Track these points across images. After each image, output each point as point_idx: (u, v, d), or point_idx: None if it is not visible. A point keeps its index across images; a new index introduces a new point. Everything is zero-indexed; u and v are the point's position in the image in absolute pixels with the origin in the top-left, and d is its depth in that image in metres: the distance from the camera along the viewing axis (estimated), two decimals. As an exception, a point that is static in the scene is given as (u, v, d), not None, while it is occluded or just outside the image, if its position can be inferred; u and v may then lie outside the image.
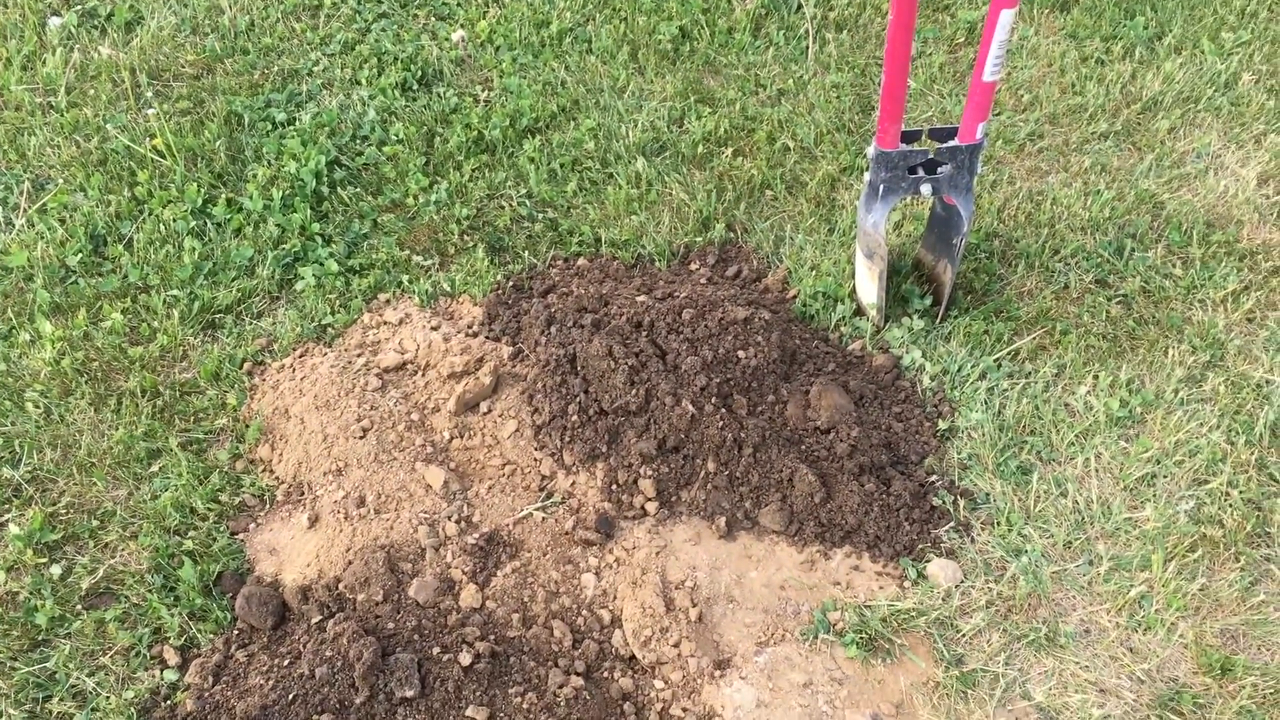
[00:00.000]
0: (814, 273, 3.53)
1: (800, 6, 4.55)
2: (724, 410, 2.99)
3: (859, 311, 3.45)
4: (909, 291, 3.43)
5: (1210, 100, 4.08)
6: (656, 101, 4.16)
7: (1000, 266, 3.56)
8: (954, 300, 3.43)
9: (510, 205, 3.77)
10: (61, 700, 2.56)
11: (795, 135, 4.01)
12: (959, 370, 3.27)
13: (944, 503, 2.97)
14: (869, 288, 3.34)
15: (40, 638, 2.67)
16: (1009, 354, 3.31)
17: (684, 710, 2.58)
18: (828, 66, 4.32)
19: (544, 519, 2.90)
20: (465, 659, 2.56)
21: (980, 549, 2.88)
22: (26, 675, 2.58)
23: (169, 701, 2.58)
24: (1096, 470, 3.04)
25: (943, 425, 3.15)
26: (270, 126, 4.05)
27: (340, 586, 2.74)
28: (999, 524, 2.93)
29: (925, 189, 3.09)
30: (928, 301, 3.41)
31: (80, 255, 3.53)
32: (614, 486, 2.94)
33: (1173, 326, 3.36)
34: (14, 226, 3.65)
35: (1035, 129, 4.03)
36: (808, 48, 4.40)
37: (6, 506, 2.92)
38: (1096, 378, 3.23)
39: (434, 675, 2.54)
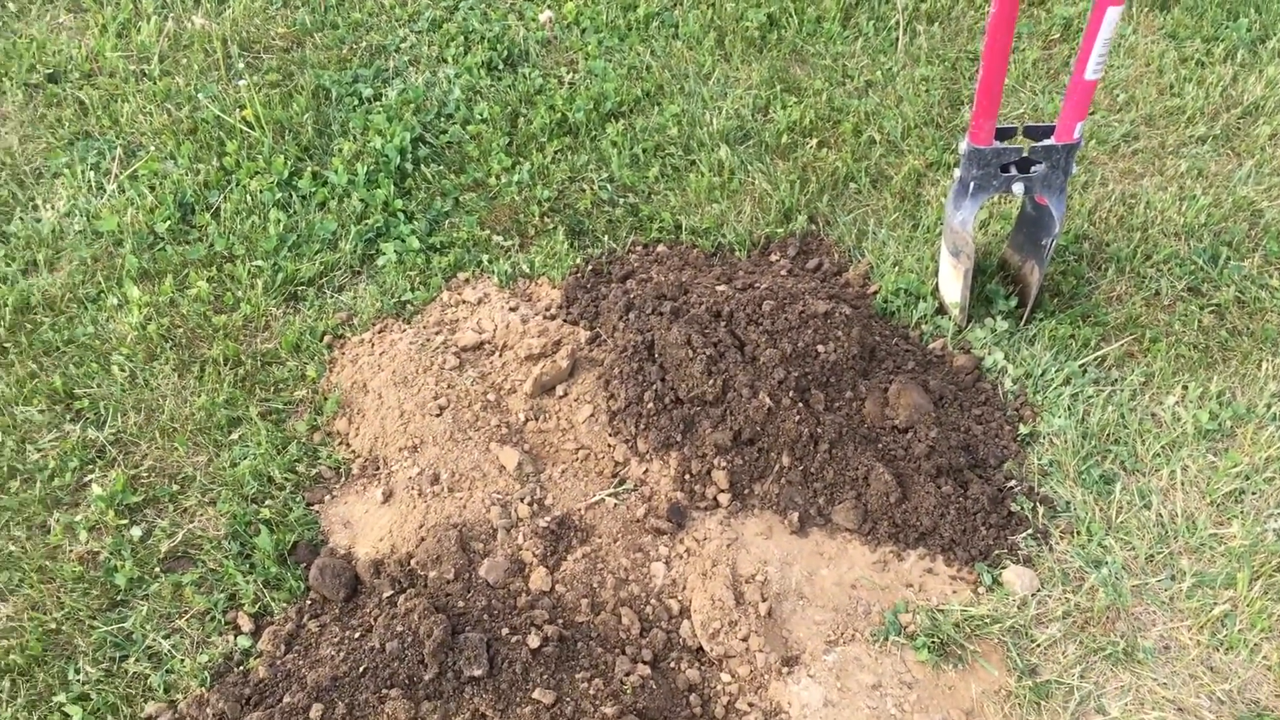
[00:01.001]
0: (896, 269, 3.48)
1: (891, -3, 4.48)
2: (801, 404, 2.96)
3: (941, 310, 3.40)
4: (994, 292, 3.37)
5: (1316, 106, 3.95)
6: (742, 89, 4.12)
7: (1089, 270, 3.47)
8: (1040, 302, 3.36)
9: (591, 189, 3.76)
10: (138, 660, 2.61)
11: (882, 128, 3.95)
12: (1042, 374, 3.20)
13: (1022, 509, 2.92)
14: (953, 286, 3.28)
15: (119, 598, 2.72)
16: (1095, 360, 3.23)
17: (750, 705, 2.56)
18: (917, 59, 4.25)
19: (616, 505, 2.89)
20: (533, 641, 2.56)
21: (1058, 558, 2.82)
22: (105, 634, 2.64)
23: (242, 667, 2.61)
24: (1182, 483, 2.96)
25: (1024, 430, 3.08)
26: (357, 101, 4.08)
27: (412, 562, 2.76)
28: (1079, 533, 2.87)
29: (1017, 188, 3.02)
30: (1013, 303, 3.34)
31: (169, 222, 3.59)
32: (687, 476, 2.93)
33: (1267, 339, 3.26)
34: (105, 191, 3.71)
35: (1130, 130, 3.93)
36: (897, 39, 4.33)
37: (91, 467, 2.98)
38: (1186, 388, 3.15)
39: (502, 656, 2.54)
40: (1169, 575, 2.79)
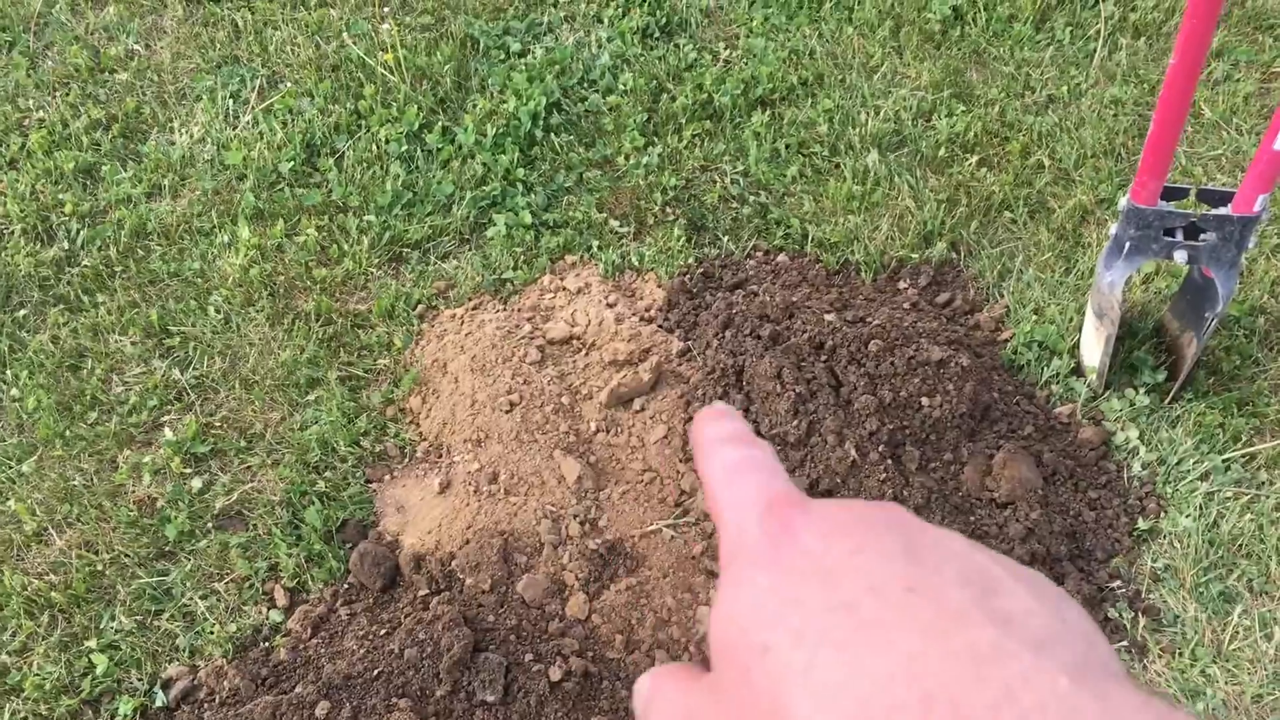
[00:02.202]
0: (1036, 317, 3.15)
1: (1098, 1, 4.04)
2: (890, 461, 2.71)
3: (1078, 371, 3.06)
4: (1141, 360, 3.01)
5: None
6: (907, 89, 3.80)
7: (1259, 350, 3.07)
8: (1192, 380, 2.99)
9: (722, 181, 3.54)
10: (171, 618, 2.61)
11: (1054, 153, 3.57)
12: (1178, 463, 2.85)
13: (1121, 616, 2.61)
14: (1094, 349, 2.95)
15: (167, 549, 2.73)
16: (1243, 456, 2.86)
17: (770, 784, 2.38)
18: (1112, 77, 3.82)
19: (672, 538, 2.72)
20: (555, 674, 2.44)
21: (1151, 679, 2.51)
22: (145, 585, 2.65)
23: (267, 644, 2.58)
24: (1316, 618, 2.60)
25: (1143, 524, 2.76)
26: (503, 56, 3.94)
27: (453, 564, 2.67)
28: (1181, 654, 2.55)
29: (1180, 256, 2.66)
30: (1161, 375, 2.98)
31: (293, 163, 3.55)
32: (754, 519, 2.73)
33: None
34: (240, 122, 3.70)
35: (1344, 190, 3.44)
36: (1095, 50, 3.91)
37: (168, 408, 2.99)
38: (1344, 507, 2.76)
39: (519, 685, 2.43)
40: (1277, 723, 2.45)
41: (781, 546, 0.49)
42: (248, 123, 3.69)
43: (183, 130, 3.68)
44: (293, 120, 3.68)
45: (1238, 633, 2.58)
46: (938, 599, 0.44)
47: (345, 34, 3.93)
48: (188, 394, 3.01)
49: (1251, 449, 2.87)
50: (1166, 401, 2.96)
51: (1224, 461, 2.84)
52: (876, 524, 0.48)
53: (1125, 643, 2.56)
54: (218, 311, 3.18)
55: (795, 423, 2.72)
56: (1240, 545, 2.72)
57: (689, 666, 0.54)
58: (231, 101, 3.75)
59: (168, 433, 2.90)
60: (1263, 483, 2.82)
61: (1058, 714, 0.39)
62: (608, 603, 2.61)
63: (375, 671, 2.45)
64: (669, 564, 2.68)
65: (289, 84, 3.81)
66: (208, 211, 3.43)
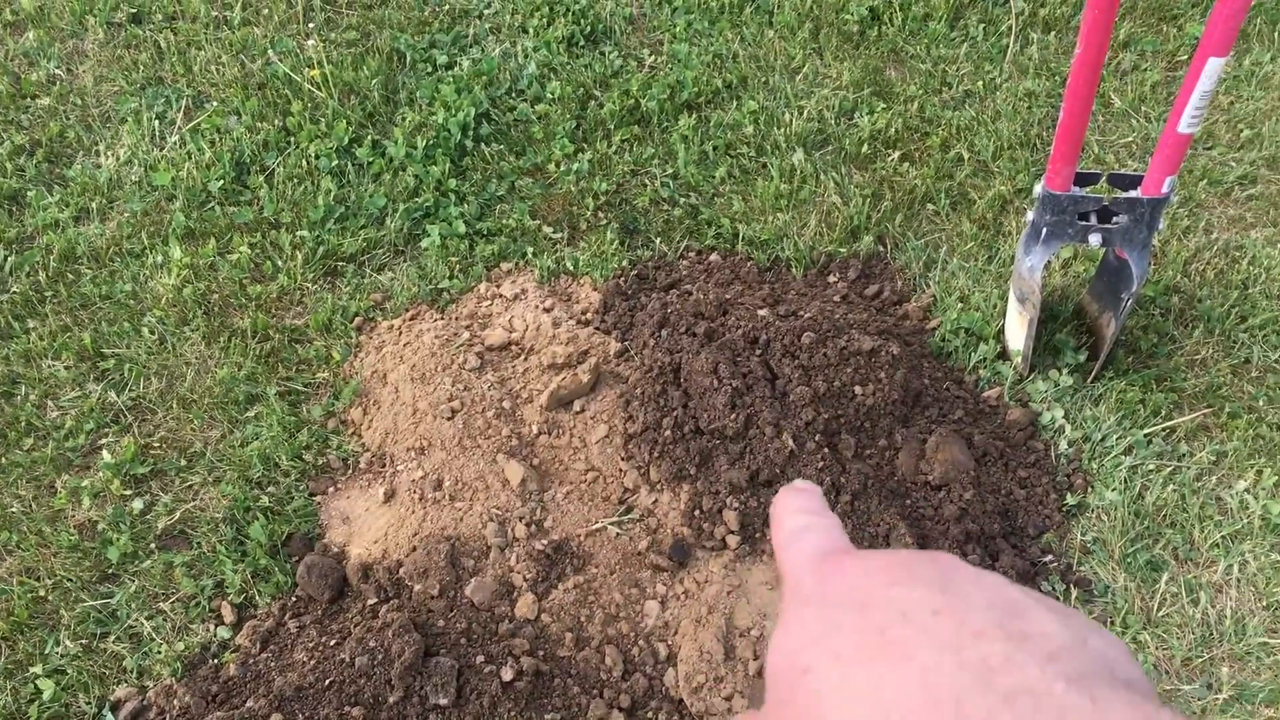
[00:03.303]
0: (961, 304, 3.24)
1: (1008, -2, 4.17)
2: (827, 450, 2.78)
3: (1003, 355, 3.16)
4: (1063, 343, 3.11)
5: None
6: (829, 89, 3.88)
7: (1174, 328, 3.18)
8: (1112, 359, 3.10)
9: (653, 185, 3.59)
10: (118, 640, 2.60)
11: (973, 145, 3.68)
12: (1102, 440, 2.95)
13: (1054, 589, 2.70)
14: (1017, 333, 3.04)
15: (110, 572, 2.72)
16: (1164, 430, 2.96)
17: (723, 770, 2.43)
18: (1025, 71, 3.94)
19: (618, 535, 2.76)
20: (507, 674, 2.47)
21: (1085, 648, 2.59)
22: (89, 609, 2.63)
23: (215, 660, 2.58)
24: (1238, 580, 2.70)
25: (1071, 500, 2.85)
26: (430, 69, 3.97)
27: (401, 571, 2.68)
28: (1113, 623, 2.64)
29: (1094, 239, 2.76)
30: (1082, 356, 3.08)
31: (222, 182, 3.54)
32: (696, 512, 2.78)
33: (1364, 428, 2.95)
34: (167, 143, 3.69)
35: (1249, 172, 3.58)
36: (1007, 46, 4.03)
37: (105, 431, 2.98)
38: (1260, 473, 2.87)
39: (471, 686, 2.46)
40: (1205, 683, 2.55)
41: (829, 585, 0.54)
42: (175, 143, 3.67)
43: (109, 153, 3.65)
44: (220, 139, 3.67)
45: (1166, 599, 2.68)
46: (961, 620, 0.48)
47: (271, 51, 3.93)
48: (125, 416, 3.00)
49: (1171, 423, 2.97)
50: (1089, 381, 3.07)
51: (1145, 436, 2.95)
52: (918, 564, 0.54)
53: (1059, 614, 2.64)
54: (152, 332, 3.16)
55: (733, 416, 2.78)
56: (1165, 515, 2.82)
57: (751, 712, 0.59)
58: (157, 122, 3.73)
59: (106, 455, 2.89)
60: (1183, 455, 2.92)
61: (1049, 713, 0.43)
62: (556, 602, 2.64)
63: (327, 682, 2.45)
64: (615, 561, 2.72)
65: (215, 103, 3.80)
66: (138, 233, 3.41)
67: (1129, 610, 2.65)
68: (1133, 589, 2.70)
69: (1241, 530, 2.78)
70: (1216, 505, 2.84)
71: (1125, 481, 2.86)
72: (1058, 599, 2.52)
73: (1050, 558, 2.76)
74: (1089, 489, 2.87)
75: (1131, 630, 2.61)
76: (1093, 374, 3.06)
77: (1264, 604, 2.66)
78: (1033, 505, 2.86)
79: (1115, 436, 2.95)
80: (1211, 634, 2.62)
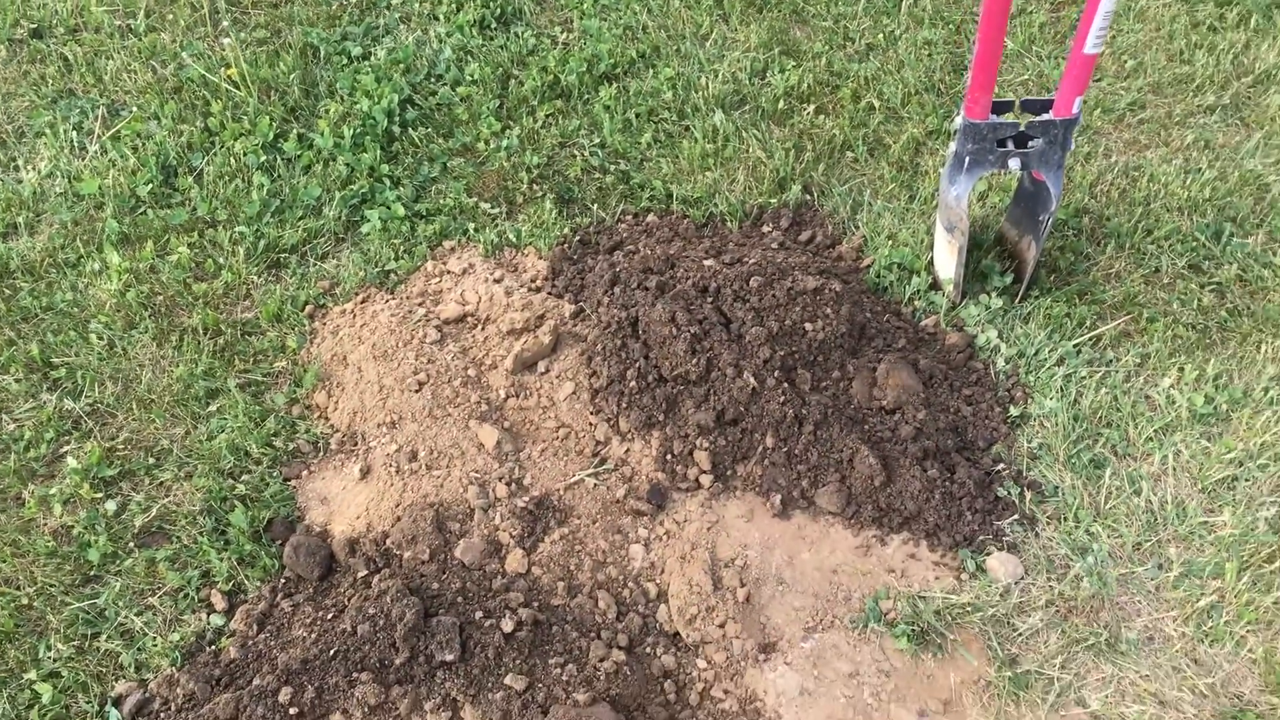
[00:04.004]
0: (891, 242, 3.40)
1: (897, -45, 4.35)
2: (787, 384, 2.91)
3: (935, 286, 3.32)
4: (989, 268, 3.29)
5: (1330, 76, 3.83)
6: (739, 52, 4.02)
7: (1088, 246, 3.39)
8: (1036, 279, 3.29)
9: (582, 155, 3.68)
10: (109, 638, 2.59)
11: (881, 94, 3.85)
12: (1036, 354, 3.14)
13: (1009, 494, 2.87)
14: (947, 262, 3.21)
15: (92, 574, 2.70)
16: (1090, 340, 3.16)
17: (725, 692, 2.53)
18: (921, 21, 4.13)
19: (595, 486, 2.85)
20: (507, 626, 2.53)
21: (1044, 545, 2.77)
22: (77, 611, 2.62)
23: (213, 646, 2.59)
24: (1174, 469, 2.90)
25: (1014, 411, 3.02)
26: (345, 61, 3.99)
27: (388, 542, 2.73)
28: (1066, 519, 2.82)
29: (1014, 164, 2.93)
30: (1008, 279, 3.26)
31: (150, 185, 3.52)
32: (669, 457, 2.88)
33: (1269, 320, 3.18)
34: (88, 152, 3.65)
35: (1137, 98, 3.82)
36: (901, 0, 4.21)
37: (66, 439, 2.95)
38: (1182, 370, 3.08)
39: (475, 640, 2.52)
40: (1156, 564, 2.74)
41: None
42: (96, 152, 3.64)
43: (29, 167, 3.60)
44: (143, 144, 3.65)
45: (1111, 492, 2.87)
46: None
47: (183, 54, 3.91)
48: (84, 422, 2.97)
49: (1096, 332, 3.17)
50: (1017, 302, 3.25)
51: (1074, 346, 3.14)
52: None
53: (1016, 517, 2.81)
54: (100, 338, 3.14)
55: (694, 361, 2.88)
56: (1100, 416, 3.01)
57: None
58: (75, 133, 3.69)
59: (71, 461, 2.86)
60: (1110, 360, 3.12)
61: None
62: (545, 554, 2.72)
63: (331, 652, 2.49)
64: (596, 510, 2.81)
65: (133, 110, 3.76)
66: (71, 243, 3.38)
67: (1079, 505, 2.83)
68: (1080, 486, 2.88)
69: (1171, 423, 2.98)
70: (1146, 403, 3.04)
71: (1061, 390, 3.05)
72: (1014, 503, 2.70)
73: (1002, 466, 2.93)
74: (1029, 400, 3.05)
75: (1084, 524, 2.79)
76: (1019, 295, 3.24)
77: (1199, 488, 2.87)
78: (980, 420, 3.03)
79: (1047, 350, 3.13)
80: (1156, 519, 2.82)
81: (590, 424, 2.94)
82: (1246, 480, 2.86)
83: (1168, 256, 3.35)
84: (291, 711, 2.40)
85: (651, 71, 3.96)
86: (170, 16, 4.13)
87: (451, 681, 2.46)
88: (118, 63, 3.92)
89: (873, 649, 2.60)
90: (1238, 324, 3.19)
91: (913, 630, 2.60)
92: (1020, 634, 2.62)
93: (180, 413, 3.01)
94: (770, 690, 2.53)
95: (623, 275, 3.14)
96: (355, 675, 2.46)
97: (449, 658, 2.48)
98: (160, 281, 3.28)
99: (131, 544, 2.76)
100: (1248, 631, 2.60)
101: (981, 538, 2.78)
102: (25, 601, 2.63)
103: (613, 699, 2.46)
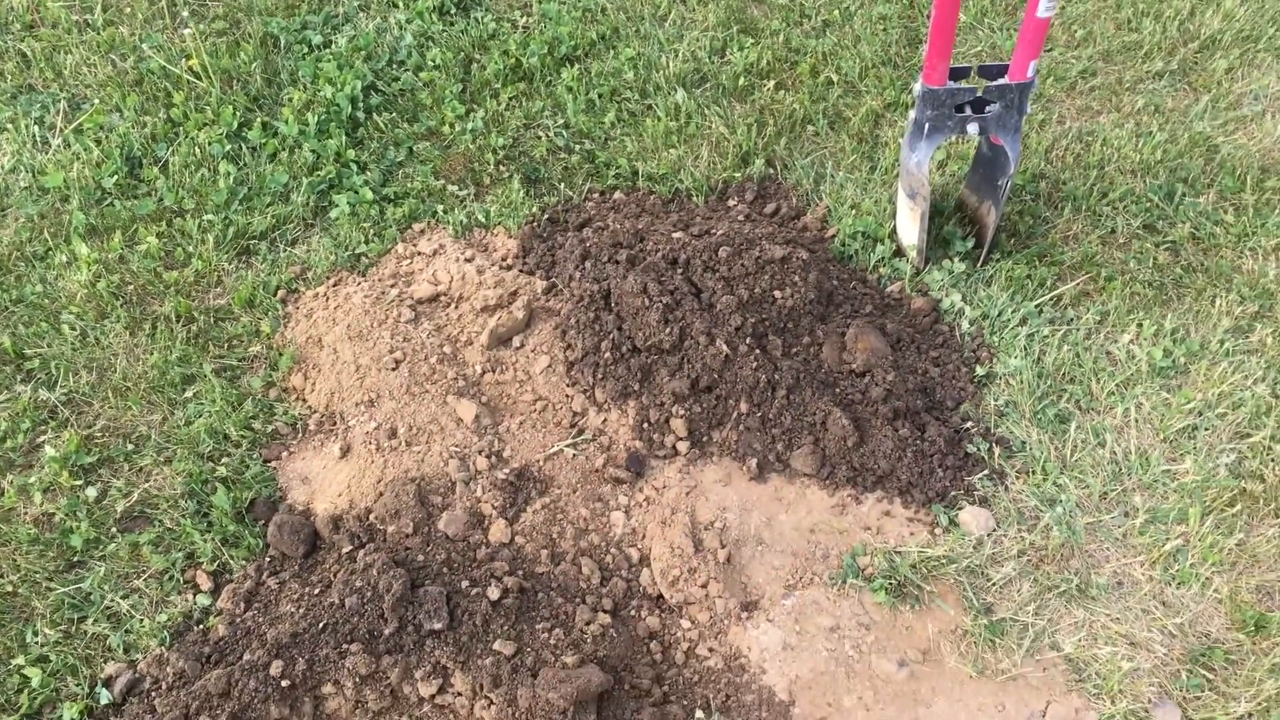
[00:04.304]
0: (854, 211, 3.46)
1: (849, -67, 4.41)
2: (758, 351, 2.96)
3: (899, 252, 3.39)
4: (950, 233, 3.36)
5: (1271, 40, 3.93)
6: (698, 31, 4.07)
7: (1046, 209, 3.47)
8: (996, 243, 3.36)
9: (547, 136, 3.72)
10: (96, 621, 2.60)
11: (839, 69, 3.91)
12: (999, 315, 3.21)
13: (979, 450, 2.94)
14: (910, 228, 3.27)
15: (75, 559, 2.71)
16: (1051, 300, 3.24)
17: (710, 650, 2.58)
18: (875, -3, 4.20)
19: (574, 456, 2.89)
20: (493, 593, 2.57)
21: (1014, 498, 2.85)
22: (62, 596, 2.62)
23: (201, 625, 2.61)
24: (1136, 421, 2.99)
25: (980, 371, 3.10)
26: (306, 49, 3.99)
27: (371, 517, 2.76)
28: (1034, 473, 2.89)
29: (972, 128, 3.00)
30: (970, 244, 3.34)
31: (116, 177, 3.52)
32: (645, 425, 2.93)
33: (1221, 275, 3.28)
34: (50, 146, 3.63)
35: (1088, 66, 3.91)
36: (855, -23, 4.28)
37: (43, 428, 2.95)
38: (1140, 326, 3.17)
39: (462, 609, 2.55)
40: (1122, 512, 2.82)
41: None
42: (59, 145, 3.63)
43: (-10, 162, 3.59)
44: (106, 137, 3.64)
45: (1076, 445, 2.95)
46: None
47: (143, 46, 3.90)
48: (60, 411, 2.98)
49: (1056, 292, 3.25)
50: (979, 265, 3.32)
51: (1036, 306, 3.22)
52: None
53: (986, 472, 2.88)
54: (72, 329, 3.14)
55: (667, 330, 2.93)
56: (1064, 373, 3.09)
57: None
58: (37, 128, 3.67)
59: (49, 450, 2.86)
60: (1071, 319, 3.20)
61: None
62: (527, 524, 2.76)
63: (320, 625, 2.51)
64: (576, 479, 2.85)
65: (94, 103, 3.75)
66: (38, 235, 3.37)
67: (1046, 459, 2.91)
68: (1046, 440, 2.95)
69: (1132, 377, 3.07)
70: (1107, 358, 3.12)
71: (1025, 349, 3.12)
72: (983, 459, 2.77)
73: (970, 424, 3.00)
74: (994, 359, 3.13)
75: (1051, 476, 2.87)
76: (981, 258, 3.32)
77: (1161, 438, 2.95)
78: (948, 380, 3.10)
79: (1010, 310, 3.21)
80: (1121, 470, 2.90)
81: (567, 396, 2.98)
82: (1206, 429, 2.95)
83: (1123, 217, 3.44)
84: (283, 684, 2.42)
85: (612, 53, 4.00)
86: (128, 10, 4.12)
87: (441, 649, 2.49)
88: (77, 57, 3.91)
89: (852, 603, 2.66)
90: (1192, 280, 3.28)
91: (890, 584, 2.66)
92: (994, 583, 2.69)
93: (157, 399, 3.01)
94: (754, 646, 2.58)
95: (593, 250, 3.18)
96: (345, 647, 2.48)
97: (437, 626, 2.51)
98: (130, 271, 3.28)
99: (114, 529, 2.76)
100: (1213, 573, 2.69)
101: (953, 493, 2.85)
102: (9, 589, 2.63)
103: (600, 660, 2.51)
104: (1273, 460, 2.86)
